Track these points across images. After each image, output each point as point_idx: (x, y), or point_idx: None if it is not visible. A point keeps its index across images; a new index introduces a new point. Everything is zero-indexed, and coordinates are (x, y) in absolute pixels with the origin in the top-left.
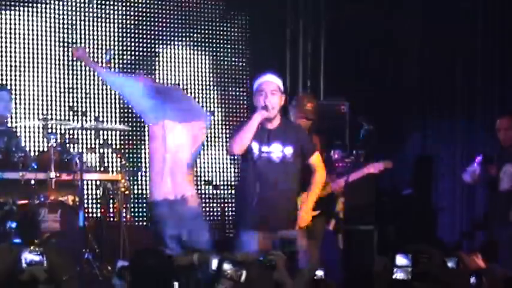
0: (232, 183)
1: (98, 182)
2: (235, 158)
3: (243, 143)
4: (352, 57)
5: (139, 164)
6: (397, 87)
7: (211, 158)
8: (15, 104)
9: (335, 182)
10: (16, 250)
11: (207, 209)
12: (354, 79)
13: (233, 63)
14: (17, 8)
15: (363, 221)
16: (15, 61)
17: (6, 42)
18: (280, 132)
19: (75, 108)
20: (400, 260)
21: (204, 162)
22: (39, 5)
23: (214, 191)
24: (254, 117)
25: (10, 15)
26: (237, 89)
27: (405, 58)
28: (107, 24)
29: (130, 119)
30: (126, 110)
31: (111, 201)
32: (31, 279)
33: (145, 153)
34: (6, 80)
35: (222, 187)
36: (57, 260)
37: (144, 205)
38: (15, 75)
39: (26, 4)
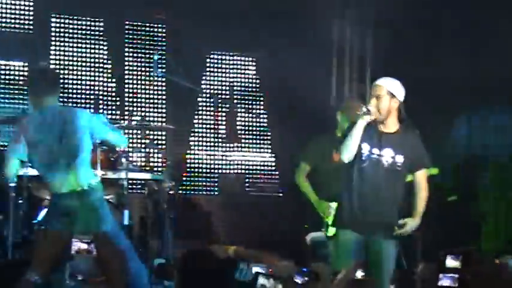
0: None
1: (143, 182)
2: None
3: (351, 151)
4: (399, 61)
5: (184, 164)
6: (442, 92)
7: (258, 161)
8: (63, 103)
9: None
10: (67, 237)
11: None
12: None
13: (278, 68)
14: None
15: None
16: (65, 62)
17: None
18: (396, 138)
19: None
20: (450, 261)
21: (252, 165)
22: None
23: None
24: (358, 124)
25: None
26: (283, 94)
27: (450, 61)
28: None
29: (176, 119)
30: (172, 110)
31: (155, 200)
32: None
33: (190, 153)
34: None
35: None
36: (106, 252)
37: (189, 204)
38: (65, 76)
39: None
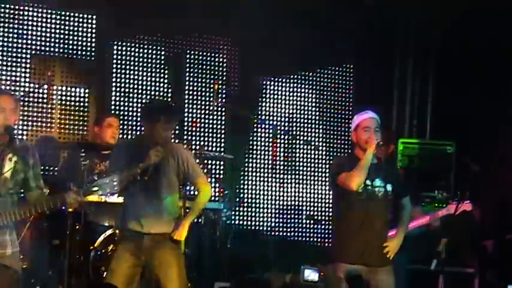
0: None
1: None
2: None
3: (362, 179)
4: (462, 96)
5: (241, 194)
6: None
7: (315, 193)
8: (123, 130)
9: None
10: None
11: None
12: (462, 119)
13: (338, 99)
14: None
15: (465, 263)
16: (124, 91)
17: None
18: (381, 168)
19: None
20: None
21: (307, 197)
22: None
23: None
24: (368, 154)
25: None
26: (341, 125)
27: None
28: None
29: (235, 149)
30: (229, 140)
31: (212, 229)
32: None
33: (247, 183)
34: (116, 107)
35: (323, 221)
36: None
37: (245, 234)
38: (125, 104)
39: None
